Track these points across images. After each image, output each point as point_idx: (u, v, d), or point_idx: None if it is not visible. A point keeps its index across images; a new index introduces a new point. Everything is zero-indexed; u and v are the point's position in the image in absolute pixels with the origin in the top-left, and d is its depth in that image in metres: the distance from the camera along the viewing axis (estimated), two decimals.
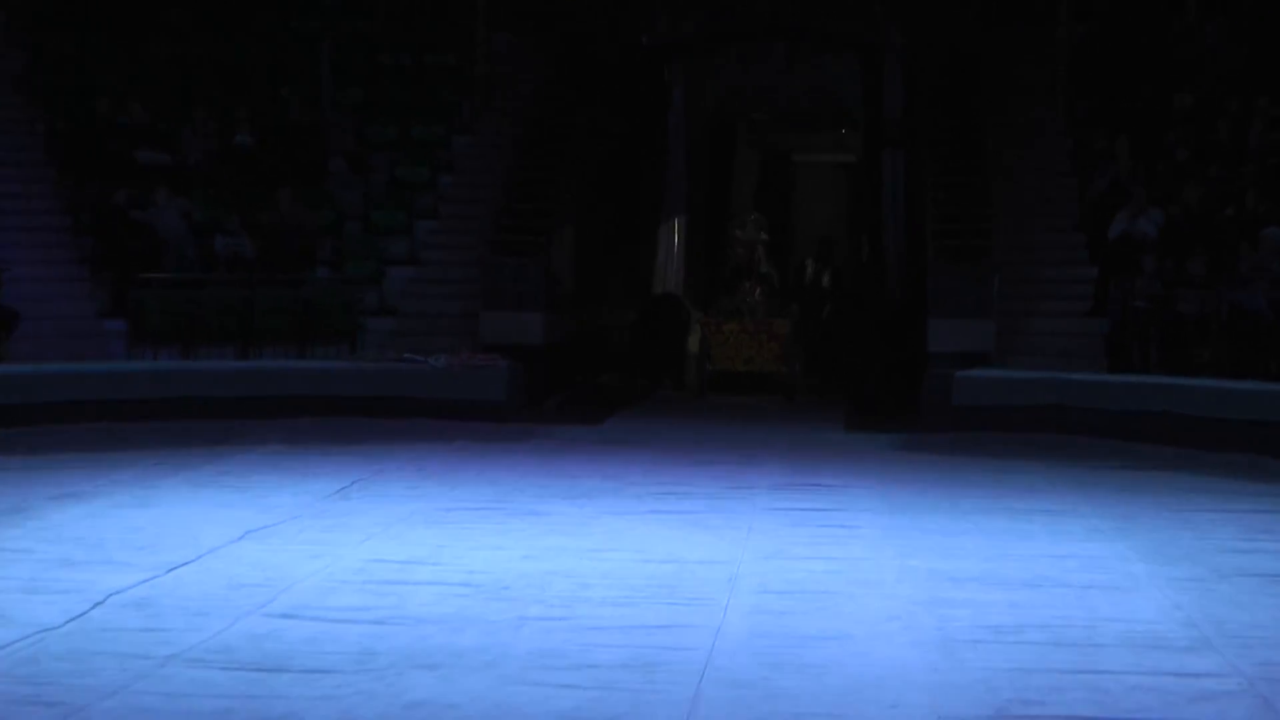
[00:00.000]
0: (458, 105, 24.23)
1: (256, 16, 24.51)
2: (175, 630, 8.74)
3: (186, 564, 10.57)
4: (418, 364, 19.68)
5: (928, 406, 19.07)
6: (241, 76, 23.75)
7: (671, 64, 25.64)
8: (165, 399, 18.48)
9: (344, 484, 14.17)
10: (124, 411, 18.01)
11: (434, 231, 22.63)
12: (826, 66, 26.06)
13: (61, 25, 23.71)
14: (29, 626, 8.75)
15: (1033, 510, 13.20)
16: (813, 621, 9.18)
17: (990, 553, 11.30)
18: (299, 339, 20.64)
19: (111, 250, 20.94)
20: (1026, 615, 9.35)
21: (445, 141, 23.84)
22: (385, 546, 11.30)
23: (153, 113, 22.94)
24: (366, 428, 18.03)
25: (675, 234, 26.62)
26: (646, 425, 19.63)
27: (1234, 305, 18.23)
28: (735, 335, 22.64)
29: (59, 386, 18.10)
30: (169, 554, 10.81)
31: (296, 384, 19.24)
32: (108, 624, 8.92)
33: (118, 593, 9.64)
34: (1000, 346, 19.50)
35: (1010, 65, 23.47)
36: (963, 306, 19.48)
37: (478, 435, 17.76)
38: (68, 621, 8.92)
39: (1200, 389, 17.48)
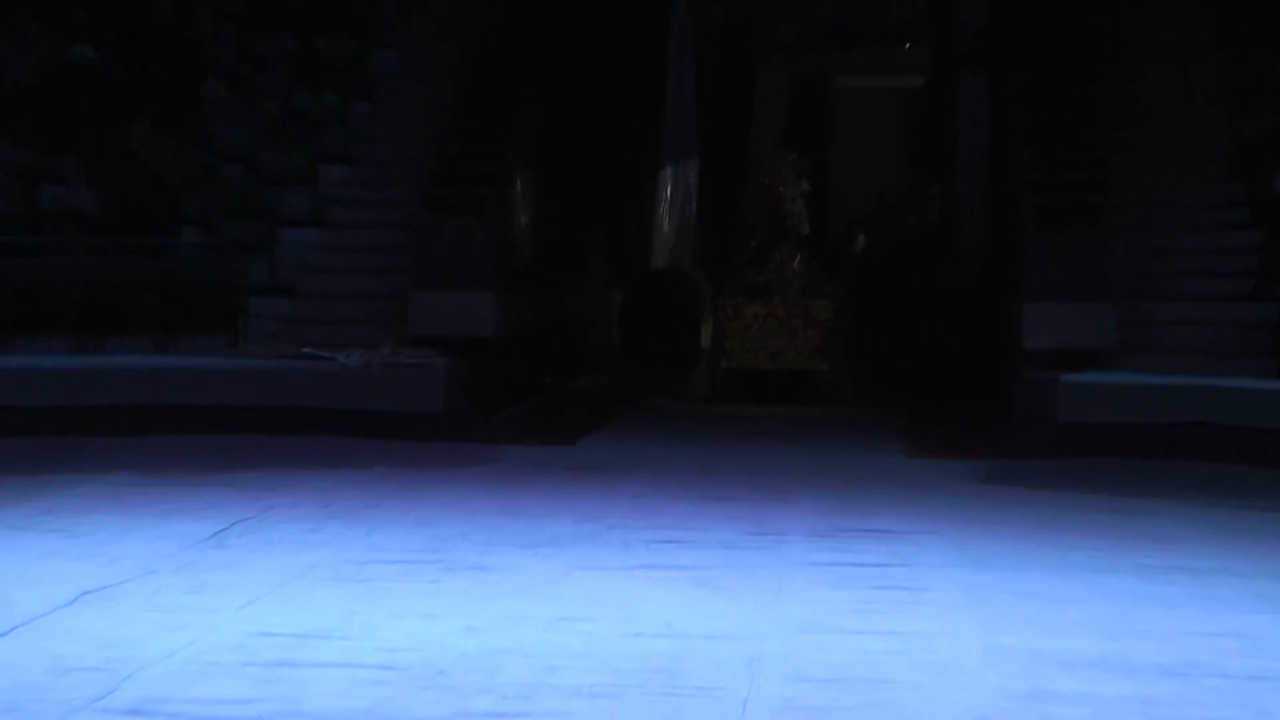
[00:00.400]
0: (377, 9, 24.24)
1: None
2: None
3: None
4: (323, 362, 19.68)
5: (1022, 423, 19.09)
6: None
7: None
8: None
9: (219, 527, 14.12)
10: None
11: (346, 182, 22.72)
12: None
13: None
14: None
15: (1171, 568, 13.10)
16: None
17: (1113, 627, 11.18)
18: (159, 327, 20.74)
19: None
20: (1165, 714, 9.21)
21: (361, 59, 23.90)
22: (275, 614, 11.19)
23: None
24: (251, 449, 18.08)
25: (677, 187, 26.63)
26: (636, 446, 19.77)
27: None
28: (761, 321, 22.71)
29: None
30: None
31: (154, 388, 19.22)
32: None
33: None
34: (1123, 341, 19.63)
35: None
36: (1071, 286, 19.62)
37: (405, 459, 17.84)
38: None
39: None
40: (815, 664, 10.14)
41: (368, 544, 13.58)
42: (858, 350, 24.01)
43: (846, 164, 31.35)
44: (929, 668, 10.11)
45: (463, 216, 20.97)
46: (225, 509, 14.86)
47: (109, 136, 21.85)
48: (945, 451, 19.10)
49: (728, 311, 22.95)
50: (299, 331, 20.65)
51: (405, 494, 16.05)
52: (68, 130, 21.95)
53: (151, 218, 21.37)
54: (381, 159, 23.03)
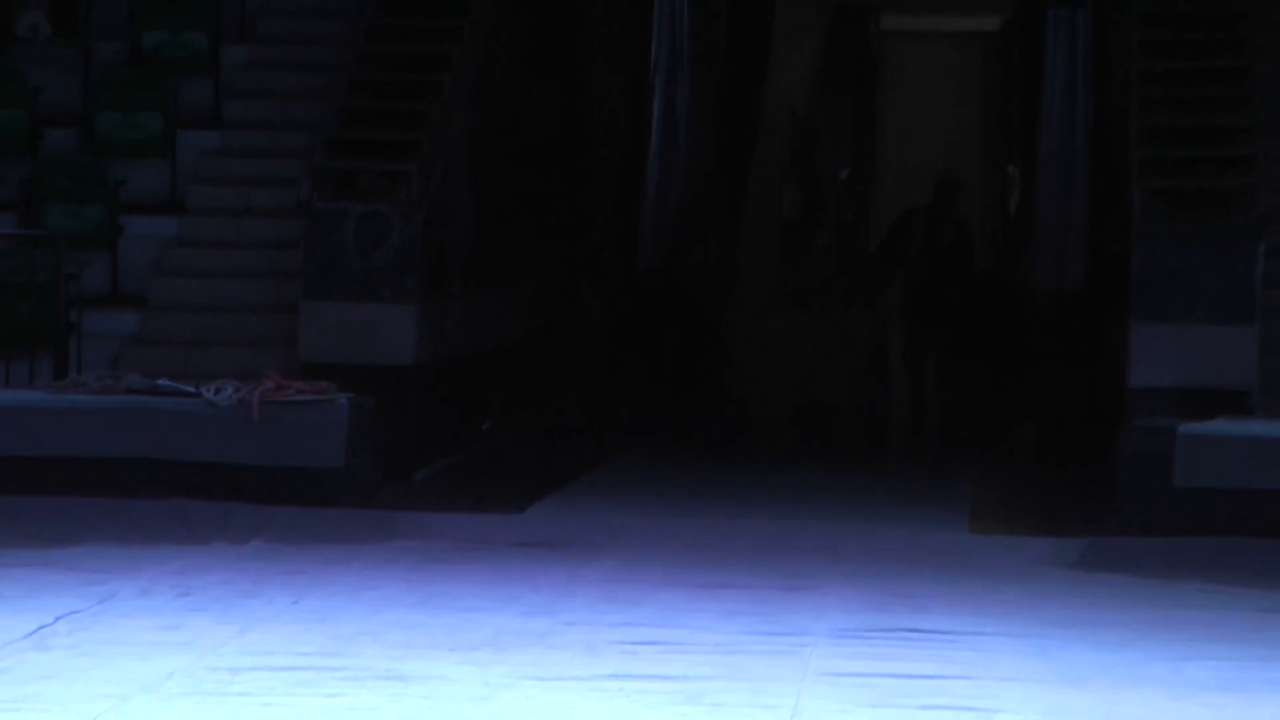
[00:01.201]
0: None
1: None
2: None
3: None
4: (185, 399, 19.71)
5: (1129, 487, 19.08)
6: None
7: None
8: None
9: (43, 622, 14.15)
10: None
11: (215, 152, 22.73)
12: None
13: None
14: None
15: None
16: None
17: None
18: None
19: None
20: None
21: None
22: None
23: None
24: (88, 516, 18.12)
25: (670, 158, 26.63)
26: (607, 512, 19.86)
27: None
28: (788, 339, 22.82)
29: None
30: None
31: None
32: None
33: None
34: (1266, 376, 19.60)
35: None
36: (1198, 301, 19.53)
37: (295, 530, 17.97)
38: None
39: None
40: None
41: (242, 645, 13.58)
42: (913, 383, 24.07)
43: (901, 134, 31.30)
44: None
45: (374, 201, 20.95)
46: (49, 597, 14.90)
47: None
48: (1024, 524, 19.16)
49: (740, 325, 23.03)
50: (150, 356, 20.58)
51: (294, 578, 16.07)
52: None
53: None
54: (264, 122, 22.97)
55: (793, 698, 12.51)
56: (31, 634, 13.81)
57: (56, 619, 14.26)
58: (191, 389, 19.79)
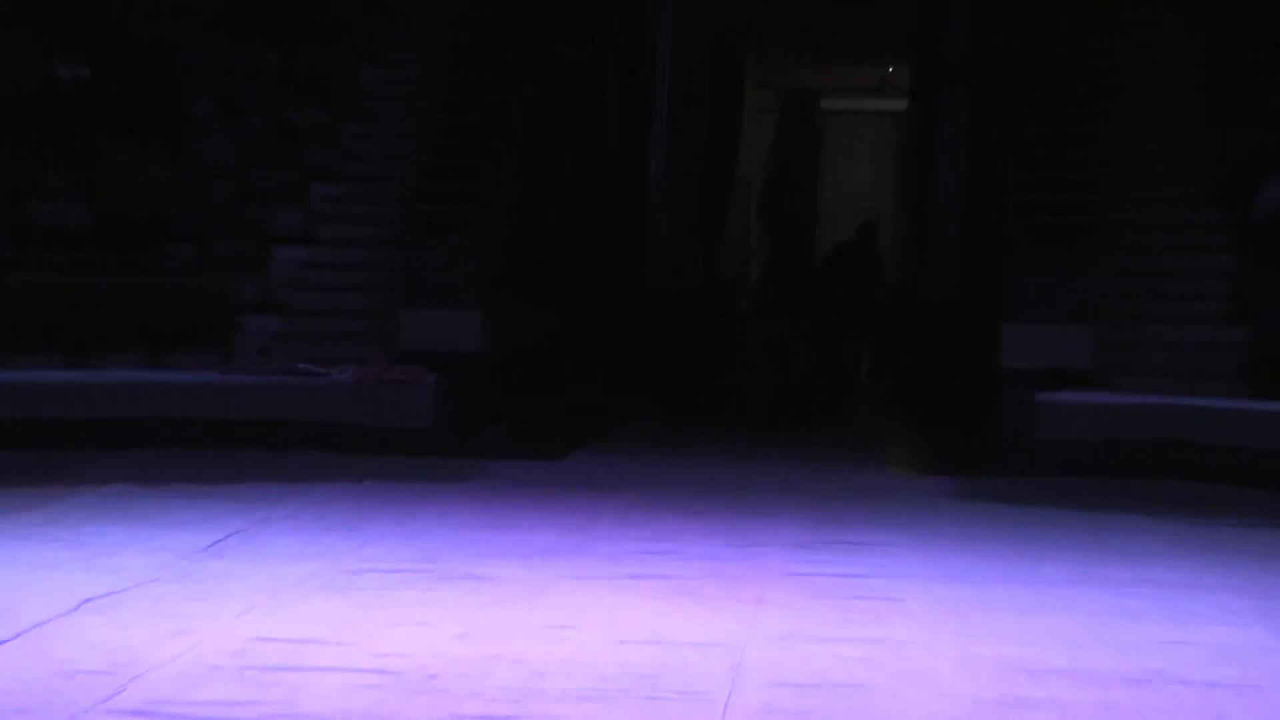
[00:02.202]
0: (365, 23, 24.20)
1: None
2: None
3: (3, 643, 10.60)
4: (315, 378, 19.72)
5: (1000, 441, 19.19)
6: None
7: None
8: None
9: (217, 537, 14.19)
10: None
11: (335, 198, 22.64)
12: None
13: None
14: None
15: (1140, 580, 13.31)
16: None
17: (1082, 637, 11.37)
18: (151, 343, 20.59)
19: None
20: None
21: (350, 74, 23.82)
22: (272, 621, 11.32)
23: None
24: (247, 462, 18.06)
25: (673, 200, 26.47)
26: (623, 461, 19.79)
27: None
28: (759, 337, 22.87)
29: None
30: None
31: (150, 403, 19.28)
32: None
33: None
34: (1101, 361, 19.65)
35: None
36: (1051, 307, 19.56)
37: (397, 473, 17.82)
38: None
39: None
40: (793, 670, 10.30)
41: (361, 555, 13.62)
42: (833, 367, 24.00)
43: (834, 184, 31.14)
44: (902, 675, 10.28)
45: (450, 234, 20.92)
46: (222, 520, 14.88)
47: (97, 153, 21.77)
48: (926, 468, 19.22)
49: (728, 328, 23.04)
50: (291, 347, 20.52)
51: (397, 507, 16.01)
52: (56, 145, 21.86)
53: (142, 235, 21.26)
54: (371, 176, 22.85)
55: (757, 590, 12.60)
56: (209, 546, 13.87)
57: (227, 535, 14.30)
58: (321, 370, 19.81)
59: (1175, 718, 9.62)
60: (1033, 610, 12.22)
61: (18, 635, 10.81)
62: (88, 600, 11.81)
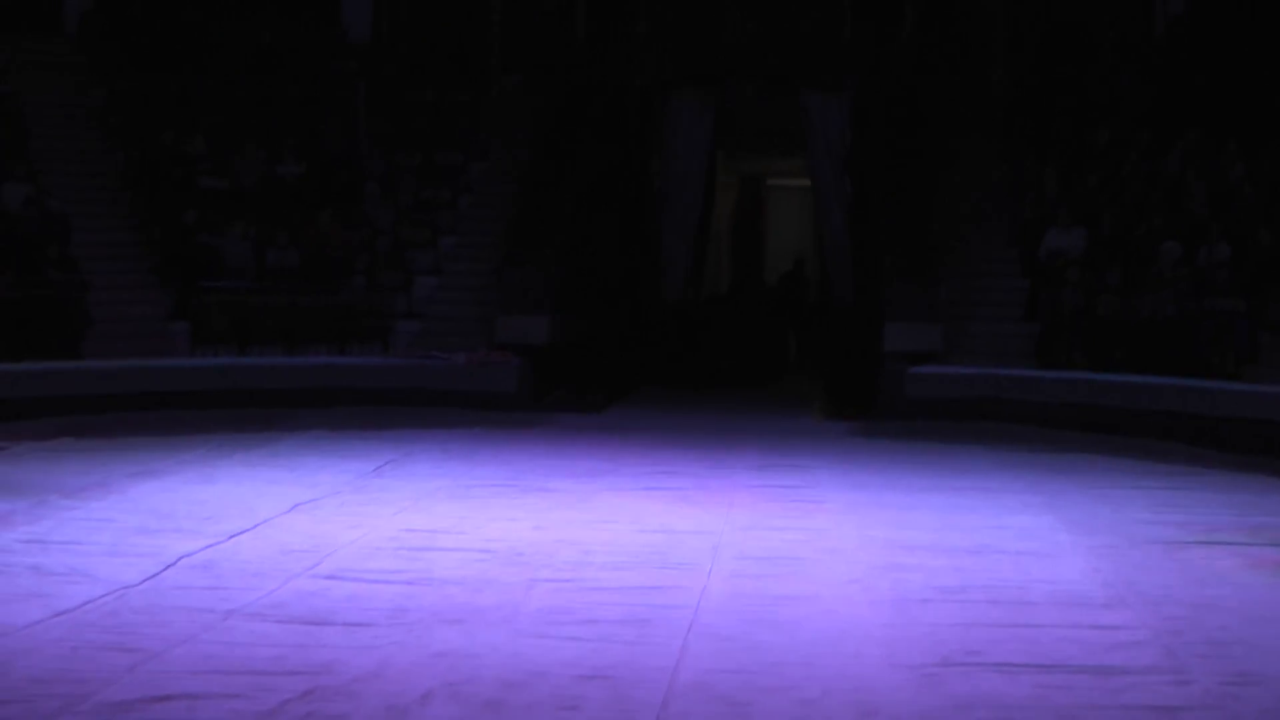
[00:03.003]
0: (474, 135, 24.18)
1: (298, 59, 24.44)
2: (235, 589, 8.81)
3: (244, 532, 10.63)
4: (441, 361, 19.64)
5: (884, 398, 19.05)
6: (286, 112, 23.73)
7: (667, 101, 25.30)
8: (223, 390, 18.48)
9: (378, 464, 14.16)
10: (188, 401, 18.02)
11: (454, 245, 22.59)
12: (793, 102, 25.66)
13: (132, 67, 23.70)
14: (111, 584, 8.85)
15: (974, 488, 13.25)
16: (785, 584, 9.24)
17: (938, 524, 11.37)
18: (338, 339, 20.61)
19: (177, 263, 20.99)
20: (969, 578, 9.44)
21: (464, 167, 23.80)
22: (415, 518, 11.32)
23: (210, 143, 22.95)
24: (397, 416, 17.98)
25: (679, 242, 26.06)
26: (644, 414, 19.51)
27: (1145, 311, 18.43)
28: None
29: (133, 380, 18.15)
30: (229, 524, 10.87)
31: (336, 378, 19.19)
32: (178, 583, 9.01)
33: (186, 556, 9.72)
34: (946, 346, 19.47)
35: (951, 103, 23.44)
36: (915, 312, 19.46)
37: (493, 422, 17.72)
38: (144, 580, 9.02)
39: (1117, 384, 17.55)
40: (754, 548, 10.33)
41: (471, 475, 13.59)
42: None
43: (775, 239, 30.93)
44: (824, 550, 10.32)
45: (526, 268, 20.90)
46: (382, 453, 14.86)
47: (307, 219, 21.83)
48: (838, 416, 19.17)
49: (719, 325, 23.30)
50: (426, 342, 20.40)
51: (494, 444, 15.95)
52: (282, 215, 21.92)
53: (333, 271, 21.29)
54: (477, 231, 22.74)
55: (729, 498, 12.57)
56: (374, 470, 13.83)
57: (385, 463, 14.25)
58: (444, 355, 19.77)
59: (998, 574, 9.60)
60: (906, 508, 12.20)
61: (255, 526, 10.89)
62: (297, 505, 11.85)
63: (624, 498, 12.47)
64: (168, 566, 9.40)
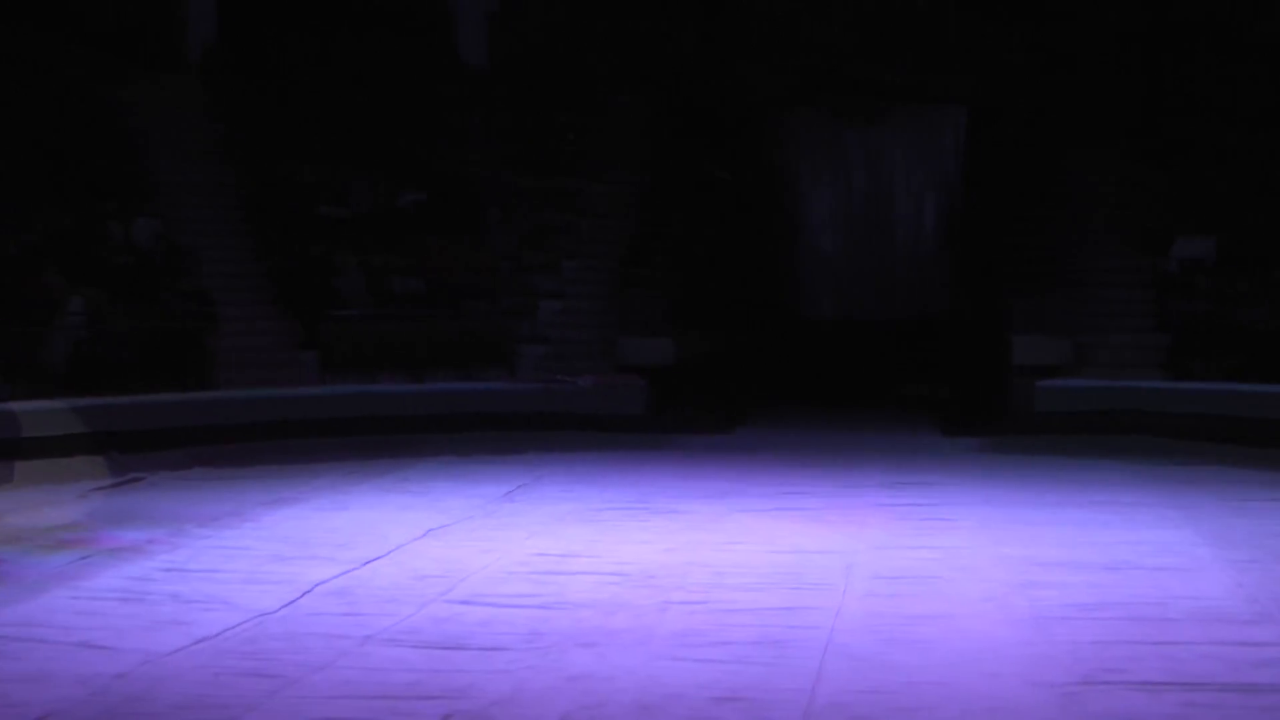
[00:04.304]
0: (592, 158, 24.20)
1: (415, 87, 24.64)
2: (371, 615, 8.90)
3: (378, 559, 10.73)
4: (566, 384, 19.71)
5: (1012, 412, 18.85)
6: (406, 140, 23.91)
7: (783, 117, 25.25)
8: (352, 418, 18.61)
9: (509, 488, 14.27)
10: (318, 430, 18.19)
11: (576, 268, 22.62)
12: (911, 120, 25.48)
13: (253, 99, 24.04)
14: (250, 611, 8.98)
15: (1108, 503, 13.10)
16: (919, 603, 9.17)
17: (1073, 540, 11.22)
18: (463, 364, 20.72)
19: (302, 292, 21.25)
20: (1107, 594, 9.30)
21: (583, 189, 23.81)
22: (546, 542, 11.37)
23: (330, 173, 23.21)
24: (523, 440, 18.06)
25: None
26: (771, 433, 19.40)
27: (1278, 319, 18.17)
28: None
29: (264, 409, 18.36)
30: (363, 550, 10.99)
31: (463, 403, 19.23)
32: (314, 609, 9.11)
33: (322, 583, 9.84)
34: (1076, 359, 19.24)
35: (1072, 108, 23.11)
36: (1043, 325, 19.27)
37: (620, 444, 17.77)
38: (281, 607, 9.14)
39: (1251, 394, 17.21)
40: (886, 568, 10.26)
41: (601, 498, 13.64)
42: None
43: None
44: (958, 568, 10.23)
45: (646, 290, 20.95)
46: (512, 477, 14.96)
47: (430, 246, 22.00)
48: (965, 432, 18.94)
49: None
50: (550, 365, 20.48)
51: (622, 465, 16.01)
52: (405, 242, 22.12)
53: (457, 296, 21.44)
54: (598, 254, 22.77)
55: (860, 516, 12.50)
56: (504, 494, 13.95)
57: (515, 487, 14.37)
58: (569, 379, 19.80)
59: (1137, 590, 9.47)
60: (1039, 524, 12.07)
61: (389, 552, 10.98)
62: (429, 530, 11.95)
63: (754, 518, 12.43)
64: (304, 593, 9.52)
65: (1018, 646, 8.08)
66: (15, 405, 16.16)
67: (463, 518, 12.54)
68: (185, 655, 8.00)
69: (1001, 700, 7.13)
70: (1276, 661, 7.73)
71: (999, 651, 7.99)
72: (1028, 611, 8.88)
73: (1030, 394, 18.62)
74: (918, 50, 23.87)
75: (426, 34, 25.21)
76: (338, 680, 7.50)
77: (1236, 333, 18.45)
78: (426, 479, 15.05)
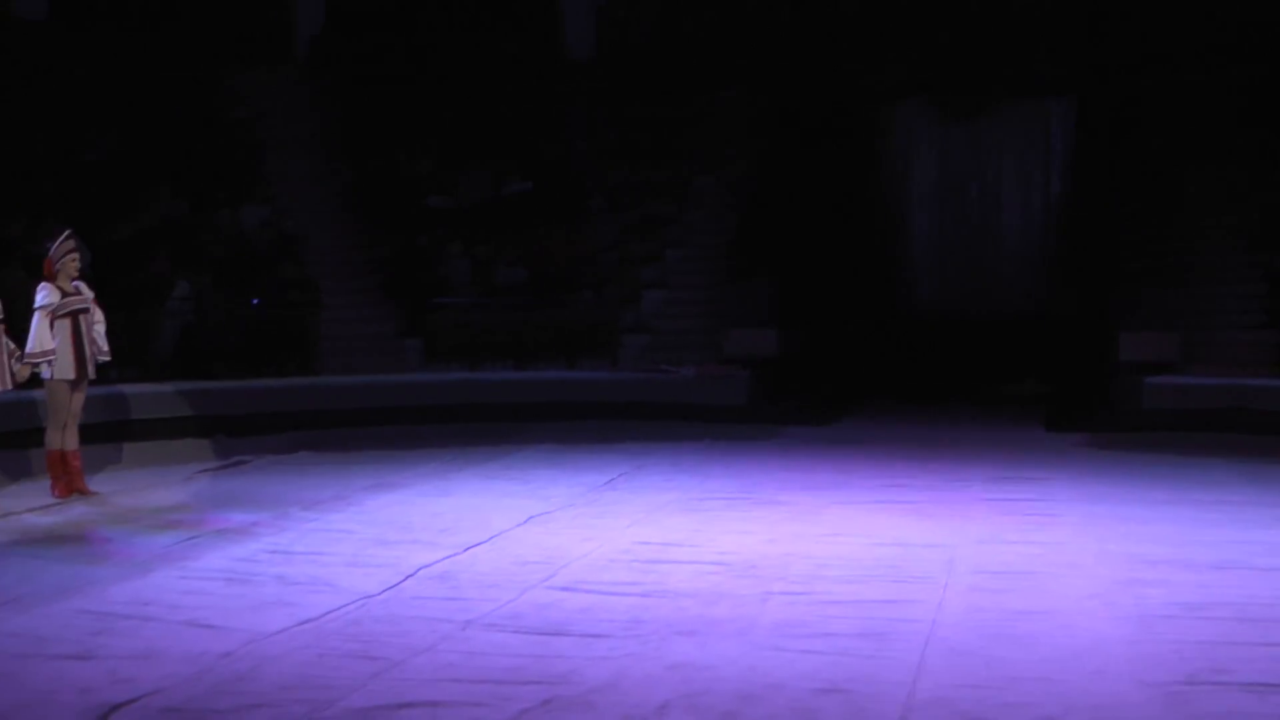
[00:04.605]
0: (697, 149, 24.23)
1: (522, 78, 24.74)
2: (472, 600, 8.94)
3: (480, 544, 10.78)
4: (669, 374, 19.74)
5: (1119, 409, 18.66)
6: (511, 130, 24.03)
7: (892, 110, 25.12)
8: (456, 405, 18.80)
9: (611, 476, 14.30)
10: (421, 416, 18.39)
11: (680, 258, 22.69)
12: (1016, 113, 25.21)
13: (359, 90, 24.23)
14: (353, 594, 9.06)
15: (1217, 501, 12.90)
16: (1023, 599, 9.06)
17: (1180, 539, 11.06)
18: (567, 353, 20.85)
19: (407, 280, 21.43)
20: (1215, 594, 9.14)
21: (688, 181, 23.87)
22: (648, 530, 11.37)
23: (436, 162, 23.38)
24: (626, 429, 18.09)
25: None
26: (873, 425, 19.33)
27: None
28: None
29: (369, 395, 18.57)
30: (465, 535, 11.05)
31: (567, 392, 19.39)
32: (417, 593, 9.17)
33: (424, 567, 9.90)
34: (1184, 356, 19.07)
35: (1184, 104, 22.85)
36: (1151, 321, 19.09)
37: (723, 435, 17.71)
38: (384, 590, 9.21)
39: None
40: (990, 562, 10.16)
41: (703, 488, 13.63)
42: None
43: None
44: (1061, 565, 10.11)
45: (751, 281, 20.95)
46: (614, 466, 14.99)
47: (534, 236, 22.14)
48: (1070, 427, 18.78)
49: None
50: (653, 355, 20.59)
51: (724, 456, 15.97)
52: (510, 232, 22.27)
53: (561, 286, 21.57)
54: (703, 244, 22.87)
55: (963, 510, 12.41)
56: (606, 482, 13.98)
57: (617, 475, 14.41)
58: (674, 369, 19.86)
59: (1246, 590, 9.29)
60: (1145, 521, 11.90)
61: (491, 538, 11.04)
62: (531, 517, 11.99)
63: (857, 510, 12.37)
64: (407, 577, 9.59)
65: (1122, 645, 7.99)
66: (125, 388, 16.41)
67: (564, 505, 12.58)
68: (289, 636, 8.09)
69: (1105, 698, 7.05)
70: None
71: (1103, 649, 7.89)
72: (1133, 609, 8.76)
73: (1138, 390, 18.43)
74: (1024, 42, 23.64)
75: (535, 26, 25.33)
76: (439, 663, 7.54)
77: None
78: (529, 466, 15.11)
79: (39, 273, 13.43)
